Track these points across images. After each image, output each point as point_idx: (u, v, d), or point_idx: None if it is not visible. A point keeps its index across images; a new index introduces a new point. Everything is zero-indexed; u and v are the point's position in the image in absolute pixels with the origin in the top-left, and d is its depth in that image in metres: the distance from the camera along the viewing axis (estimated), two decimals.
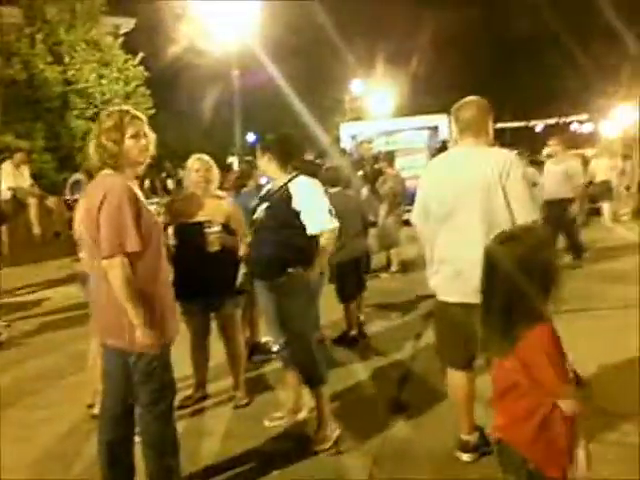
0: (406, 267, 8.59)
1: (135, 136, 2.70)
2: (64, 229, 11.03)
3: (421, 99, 26.20)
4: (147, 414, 2.71)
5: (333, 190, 5.30)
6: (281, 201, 3.50)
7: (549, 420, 1.92)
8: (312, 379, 3.58)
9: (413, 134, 15.40)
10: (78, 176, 12.61)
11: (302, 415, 3.88)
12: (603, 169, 12.50)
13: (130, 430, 2.85)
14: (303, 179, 3.59)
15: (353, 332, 5.47)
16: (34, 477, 3.36)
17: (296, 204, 3.45)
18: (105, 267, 2.56)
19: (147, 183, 11.76)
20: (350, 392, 4.25)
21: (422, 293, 6.94)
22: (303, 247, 3.46)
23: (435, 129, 15.09)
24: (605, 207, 12.41)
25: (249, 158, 5.20)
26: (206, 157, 4.21)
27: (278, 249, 3.49)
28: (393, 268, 8.47)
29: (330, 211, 3.51)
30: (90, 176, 4.13)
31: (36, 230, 9.44)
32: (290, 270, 3.45)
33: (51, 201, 10.25)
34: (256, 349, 5.07)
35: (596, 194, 12.19)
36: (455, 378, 3.20)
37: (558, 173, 8.03)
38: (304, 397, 3.87)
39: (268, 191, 3.74)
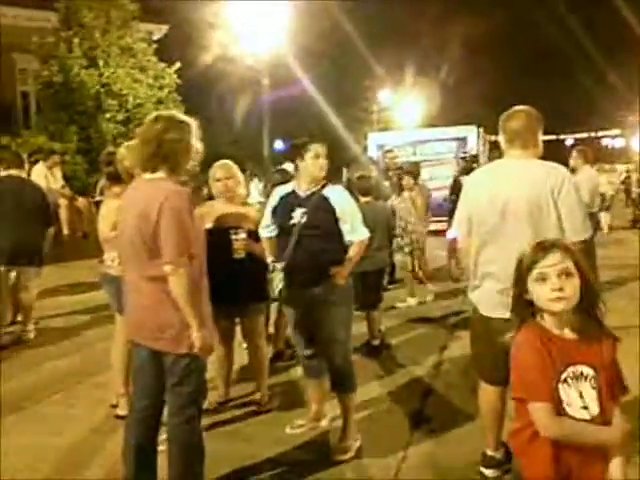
0: (430, 278, 8.53)
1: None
2: (92, 230, 11.29)
3: (450, 110, 26.11)
4: (177, 417, 2.73)
5: (364, 199, 5.30)
6: (320, 207, 3.50)
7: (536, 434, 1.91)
8: (346, 386, 3.60)
9: (441, 145, 15.34)
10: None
11: (323, 424, 3.87)
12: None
13: (157, 432, 2.88)
14: (337, 187, 3.65)
15: (375, 342, 5.45)
16: (61, 469, 3.42)
17: (338, 212, 3.49)
18: (168, 271, 2.57)
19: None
20: (372, 402, 4.22)
21: (446, 305, 6.95)
22: (343, 254, 3.53)
23: (463, 140, 15.03)
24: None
25: (284, 166, 5.21)
26: (229, 164, 4.17)
27: (323, 255, 3.50)
28: (417, 279, 8.39)
29: (362, 221, 3.58)
30: (115, 179, 4.21)
31: (65, 231, 9.59)
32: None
33: (81, 202, 10.44)
34: (280, 356, 5.08)
35: None
36: (488, 393, 3.16)
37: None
38: (326, 406, 3.88)
39: (293, 195, 3.65)
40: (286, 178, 5.09)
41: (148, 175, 2.74)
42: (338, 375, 3.62)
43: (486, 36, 27.40)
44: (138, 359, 2.85)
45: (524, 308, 2.03)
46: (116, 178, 4.21)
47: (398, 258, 7.61)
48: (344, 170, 12.50)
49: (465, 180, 3.38)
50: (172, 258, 2.57)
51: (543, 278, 1.94)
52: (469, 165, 9.86)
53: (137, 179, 2.85)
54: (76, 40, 14.26)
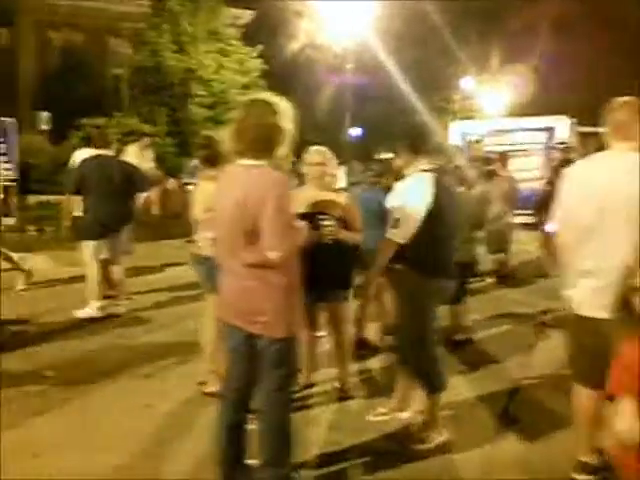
0: (515, 273, 8.30)
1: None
2: (182, 211, 11.67)
3: (539, 99, 25.02)
4: (272, 399, 2.77)
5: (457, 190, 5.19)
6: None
7: None
8: (427, 386, 3.55)
9: (529, 135, 14.77)
10: (197, 161, 13.24)
11: (406, 415, 3.84)
12: None
13: (247, 413, 2.94)
14: (408, 179, 3.49)
15: (459, 337, 5.34)
16: (153, 443, 3.56)
17: (387, 202, 3.47)
18: (275, 258, 2.61)
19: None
20: (456, 399, 4.13)
21: (533, 302, 6.73)
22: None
23: (551, 130, 14.43)
24: None
25: (387, 156, 5.22)
26: (324, 150, 4.20)
27: (377, 244, 3.53)
28: (502, 273, 8.18)
29: (397, 221, 3.37)
30: (209, 162, 4.32)
31: (155, 211, 9.95)
32: (389, 265, 3.47)
33: (171, 183, 10.81)
34: (363, 343, 5.08)
35: None
36: (583, 396, 3.04)
37: None
38: (411, 397, 3.85)
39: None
40: (386, 168, 5.08)
41: (246, 161, 2.74)
42: (416, 374, 3.59)
43: (579, 19, 25.92)
44: (232, 341, 2.90)
45: None
46: (210, 161, 4.32)
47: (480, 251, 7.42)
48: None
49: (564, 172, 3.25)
50: (278, 245, 2.59)
51: None
52: (567, 156, 9.54)
53: (234, 164, 2.86)
54: (165, 26, 14.70)
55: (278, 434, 2.82)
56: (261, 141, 2.69)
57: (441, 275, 3.53)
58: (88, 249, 6.21)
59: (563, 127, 14.43)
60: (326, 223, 3.90)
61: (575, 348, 3.11)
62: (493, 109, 26.72)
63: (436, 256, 3.49)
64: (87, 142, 6.89)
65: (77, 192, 6.20)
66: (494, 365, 4.87)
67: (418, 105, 16.55)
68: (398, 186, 3.48)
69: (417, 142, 3.57)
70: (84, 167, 6.30)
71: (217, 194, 2.88)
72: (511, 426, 3.76)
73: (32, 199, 12.92)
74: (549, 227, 3.24)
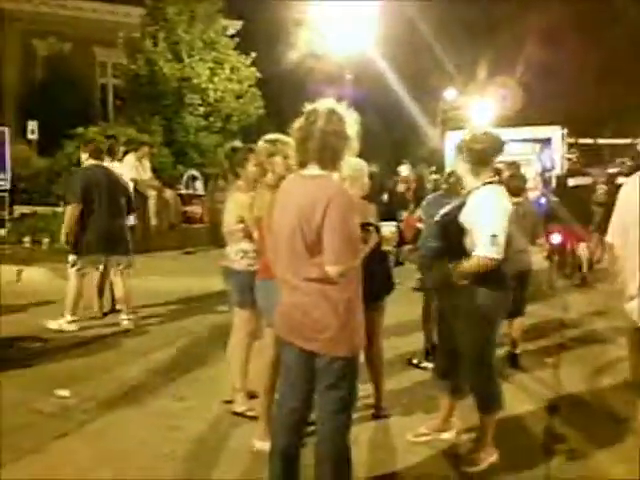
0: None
1: None
2: (178, 222, 11.49)
3: (525, 110, 25.19)
4: (329, 422, 2.59)
5: (516, 200, 5.12)
6: (454, 209, 3.42)
7: None
8: (485, 405, 3.41)
9: (522, 145, 14.81)
10: (193, 172, 13.05)
11: (448, 436, 3.69)
12: None
13: (303, 436, 2.77)
14: (486, 191, 3.33)
15: (517, 350, 5.16)
16: (187, 468, 3.35)
17: (463, 217, 3.30)
18: (334, 273, 2.45)
19: None
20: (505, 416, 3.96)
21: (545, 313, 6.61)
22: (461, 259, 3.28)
23: (548, 141, 14.51)
24: None
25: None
26: (359, 160, 4.07)
27: (438, 257, 3.48)
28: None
29: (495, 238, 3.17)
30: (237, 174, 4.17)
31: (153, 222, 9.71)
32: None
33: (168, 194, 10.58)
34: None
35: None
36: None
37: None
38: (452, 417, 3.70)
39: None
40: None
41: (307, 171, 2.60)
42: (475, 393, 3.45)
43: (566, 31, 26.12)
44: (288, 359, 2.72)
45: None
46: (236, 173, 4.19)
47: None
48: (403, 167, 12.14)
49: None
50: (338, 260, 2.45)
51: None
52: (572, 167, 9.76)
53: (296, 174, 2.71)
54: (161, 34, 14.50)
55: (335, 459, 2.63)
56: (327, 150, 2.54)
57: (507, 287, 3.44)
58: (77, 261, 5.99)
59: (557, 138, 14.55)
60: (391, 230, 3.73)
61: (637, 362, 2.96)
62: (481, 120, 26.82)
63: (501, 268, 3.36)
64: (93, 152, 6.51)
65: (83, 202, 5.96)
66: (525, 379, 4.73)
67: (413, 116, 16.55)
68: (474, 201, 3.31)
69: (484, 154, 3.39)
70: (88, 177, 6.09)
71: (276, 205, 2.72)
72: (558, 445, 3.62)
73: (21, 210, 12.55)
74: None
